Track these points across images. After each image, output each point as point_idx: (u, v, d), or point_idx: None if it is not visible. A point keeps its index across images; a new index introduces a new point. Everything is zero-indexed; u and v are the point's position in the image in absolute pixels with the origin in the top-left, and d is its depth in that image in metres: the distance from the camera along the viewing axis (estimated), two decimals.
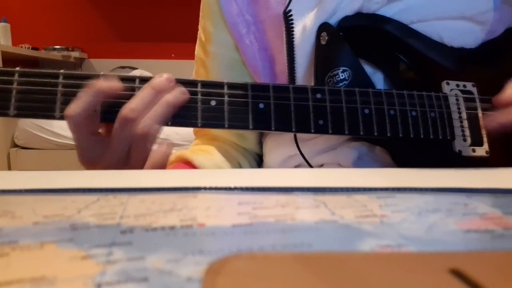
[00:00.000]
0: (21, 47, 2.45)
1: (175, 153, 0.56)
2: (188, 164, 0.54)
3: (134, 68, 2.61)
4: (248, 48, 0.53)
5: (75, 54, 2.67)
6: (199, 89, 0.39)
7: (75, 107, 0.36)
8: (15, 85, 0.36)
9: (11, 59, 2.06)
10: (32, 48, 2.49)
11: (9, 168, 2.08)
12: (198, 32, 0.59)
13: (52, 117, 0.37)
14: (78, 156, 0.40)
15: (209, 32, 0.56)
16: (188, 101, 0.38)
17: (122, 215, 0.21)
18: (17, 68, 0.37)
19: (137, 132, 0.37)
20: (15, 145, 2.14)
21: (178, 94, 0.38)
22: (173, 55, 2.79)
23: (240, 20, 0.53)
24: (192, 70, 0.62)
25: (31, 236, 0.18)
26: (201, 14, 0.58)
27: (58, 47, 2.63)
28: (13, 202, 0.23)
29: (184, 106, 0.38)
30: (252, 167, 0.61)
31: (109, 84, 0.37)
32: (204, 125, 0.39)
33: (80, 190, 0.25)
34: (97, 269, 0.15)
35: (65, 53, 2.62)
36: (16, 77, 0.37)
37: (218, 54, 0.57)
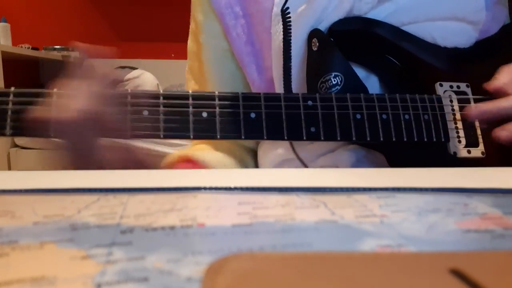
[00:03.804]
0: (21, 47, 2.44)
1: (176, 153, 0.56)
2: (190, 161, 0.54)
3: (134, 68, 2.61)
4: (235, 40, 0.53)
5: (75, 54, 2.66)
6: (190, 101, 0.39)
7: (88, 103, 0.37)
8: (10, 105, 0.37)
9: (11, 59, 2.06)
10: (32, 48, 2.49)
11: (9, 168, 2.08)
12: (190, 26, 0.59)
13: (48, 136, 0.37)
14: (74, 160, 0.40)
15: (200, 23, 0.56)
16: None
17: (122, 215, 0.21)
18: (12, 88, 0.37)
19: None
20: (15, 145, 2.14)
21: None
22: (173, 55, 2.79)
23: (228, 12, 0.53)
24: (187, 65, 0.61)
25: (31, 236, 0.18)
26: (191, 6, 0.58)
27: (58, 47, 2.62)
28: (13, 202, 0.23)
29: (176, 119, 0.39)
30: (255, 161, 0.61)
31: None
32: (196, 137, 0.39)
33: (80, 190, 0.25)
34: (97, 269, 0.15)
35: (65, 53, 2.61)
36: (11, 97, 0.37)
37: (210, 45, 0.56)
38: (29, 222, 0.20)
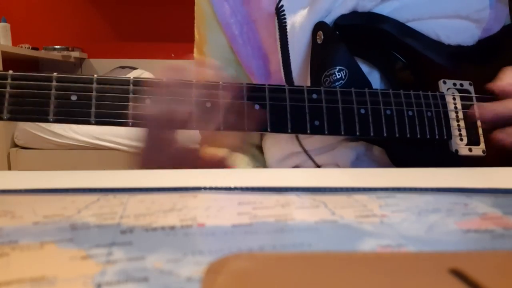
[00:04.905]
0: (21, 47, 2.44)
1: (214, 150, 0.57)
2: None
3: (134, 68, 2.61)
4: (241, 48, 0.54)
5: (75, 54, 2.66)
6: (193, 90, 0.39)
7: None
8: (8, 88, 0.36)
9: (11, 59, 2.06)
10: (32, 48, 2.49)
11: (9, 168, 2.08)
12: (195, 36, 0.60)
13: (46, 120, 0.36)
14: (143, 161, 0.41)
15: (203, 34, 0.57)
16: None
17: (122, 215, 0.21)
18: (10, 72, 0.37)
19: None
20: (15, 145, 2.14)
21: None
22: (173, 55, 2.79)
23: (233, 21, 0.53)
24: None
25: (31, 236, 0.18)
26: (195, 18, 0.58)
27: (58, 47, 2.62)
28: (13, 202, 0.23)
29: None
30: (255, 159, 0.61)
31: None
32: (199, 127, 0.39)
33: (80, 190, 0.25)
34: (97, 269, 0.15)
35: (65, 53, 2.61)
36: (9, 80, 0.36)
37: (212, 56, 0.57)
38: (29, 222, 0.20)
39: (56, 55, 2.57)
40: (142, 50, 2.81)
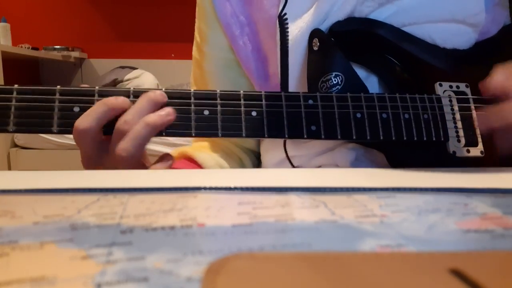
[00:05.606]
0: (21, 47, 2.44)
1: (177, 149, 0.57)
2: (191, 161, 0.55)
3: (134, 68, 2.61)
4: (241, 49, 0.54)
5: (75, 54, 2.66)
6: (192, 100, 0.40)
7: (88, 121, 0.37)
8: (13, 102, 0.37)
9: (11, 59, 2.06)
10: (32, 48, 2.49)
11: (9, 168, 2.08)
12: (195, 33, 0.60)
13: (50, 131, 0.38)
14: (82, 162, 0.41)
15: (204, 33, 0.56)
16: (173, 120, 0.39)
17: (122, 215, 0.21)
18: (15, 86, 0.38)
19: (116, 153, 0.38)
20: (15, 145, 2.14)
21: (163, 115, 0.38)
22: (173, 55, 2.79)
23: (234, 21, 0.53)
24: (191, 70, 0.62)
25: (31, 236, 0.18)
26: (196, 15, 0.58)
27: (58, 47, 2.62)
28: (13, 202, 0.23)
29: (178, 117, 0.39)
30: (253, 163, 0.61)
31: (120, 102, 0.38)
32: (198, 135, 0.40)
33: (80, 190, 0.25)
34: (97, 269, 0.15)
35: (65, 53, 2.61)
36: (14, 94, 0.37)
37: (213, 55, 0.57)
38: (29, 222, 0.20)
39: (56, 55, 2.57)
40: (142, 50, 2.81)
